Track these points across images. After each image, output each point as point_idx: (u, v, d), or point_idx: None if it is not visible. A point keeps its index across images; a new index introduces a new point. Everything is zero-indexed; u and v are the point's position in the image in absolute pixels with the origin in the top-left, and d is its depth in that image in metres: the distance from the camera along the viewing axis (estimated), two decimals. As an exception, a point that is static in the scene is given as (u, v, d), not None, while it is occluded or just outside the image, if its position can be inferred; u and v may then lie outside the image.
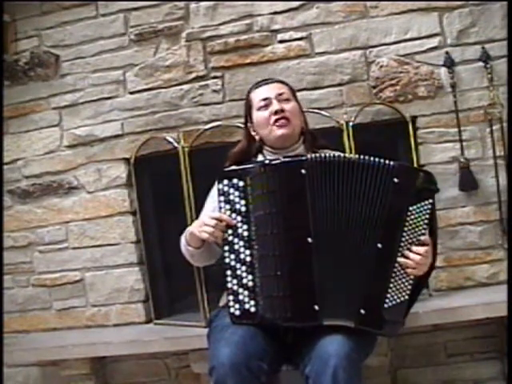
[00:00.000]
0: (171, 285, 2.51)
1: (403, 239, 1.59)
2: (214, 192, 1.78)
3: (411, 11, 2.25)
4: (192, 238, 1.73)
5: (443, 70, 2.22)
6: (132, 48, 2.43)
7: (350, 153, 2.11)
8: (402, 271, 1.60)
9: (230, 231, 1.63)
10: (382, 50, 2.27)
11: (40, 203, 2.53)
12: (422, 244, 1.62)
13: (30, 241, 2.55)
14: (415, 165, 2.17)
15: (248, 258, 1.61)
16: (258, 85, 1.89)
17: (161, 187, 2.47)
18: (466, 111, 2.22)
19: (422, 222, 1.61)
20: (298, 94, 2.27)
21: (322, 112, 2.23)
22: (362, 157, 1.60)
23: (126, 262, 2.46)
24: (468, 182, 2.21)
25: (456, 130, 2.22)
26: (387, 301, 1.59)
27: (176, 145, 2.27)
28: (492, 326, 2.22)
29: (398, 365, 2.31)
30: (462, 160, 2.21)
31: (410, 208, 1.58)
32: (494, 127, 2.19)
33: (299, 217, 1.57)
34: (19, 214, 2.56)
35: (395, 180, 1.57)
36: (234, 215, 1.63)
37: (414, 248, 1.60)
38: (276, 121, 1.79)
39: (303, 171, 1.57)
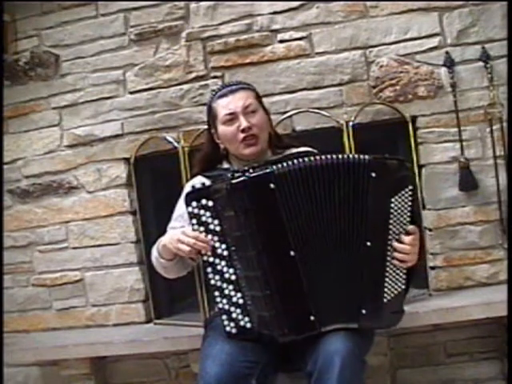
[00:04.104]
0: (171, 285, 2.49)
1: (391, 232, 1.57)
2: (181, 204, 1.70)
3: (411, 11, 2.24)
4: (165, 250, 1.67)
5: (443, 70, 2.23)
6: (132, 48, 2.43)
7: (350, 153, 2.11)
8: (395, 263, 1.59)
9: (209, 253, 1.56)
10: (381, 49, 2.27)
11: (40, 203, 2.53)
12: (408, 233, 1.59)
13: (30, 241, 2.55)
14: (415, 165, 2.17)
15: (233, 277, 1.56)
16: (221, 94, 1.77)
17: (161, 187, 2.47)
18: (466, 111, 2.22)
19: (406, 211, 1.59)
20: (298, 94, 2.30)
21: (322, 112, 2.23)
22: (333, 156, 1.53)
23: (126, 261, 2.46)
24: (468, 182, 2.20)
25: (456, 129, 2.21)
26: (386, 295, 1.59)
27: (176, 144, 2.27)
28: (492, 326, 2.22)
29: (397, 364, 2.31)
30: (461, 160, 2.21)
31: (392, 199, 1.56)
32: (493, 127, 2.19)
33: (277, 232, 1.51)
34: (19, 213, 2.56)
35: (373, 174, 1.52)
36: (210, 236, 1.56)
37: (402, 238, 1.58)
38: (244, 138, 1.72)
39: (272, 185, 1.50)
